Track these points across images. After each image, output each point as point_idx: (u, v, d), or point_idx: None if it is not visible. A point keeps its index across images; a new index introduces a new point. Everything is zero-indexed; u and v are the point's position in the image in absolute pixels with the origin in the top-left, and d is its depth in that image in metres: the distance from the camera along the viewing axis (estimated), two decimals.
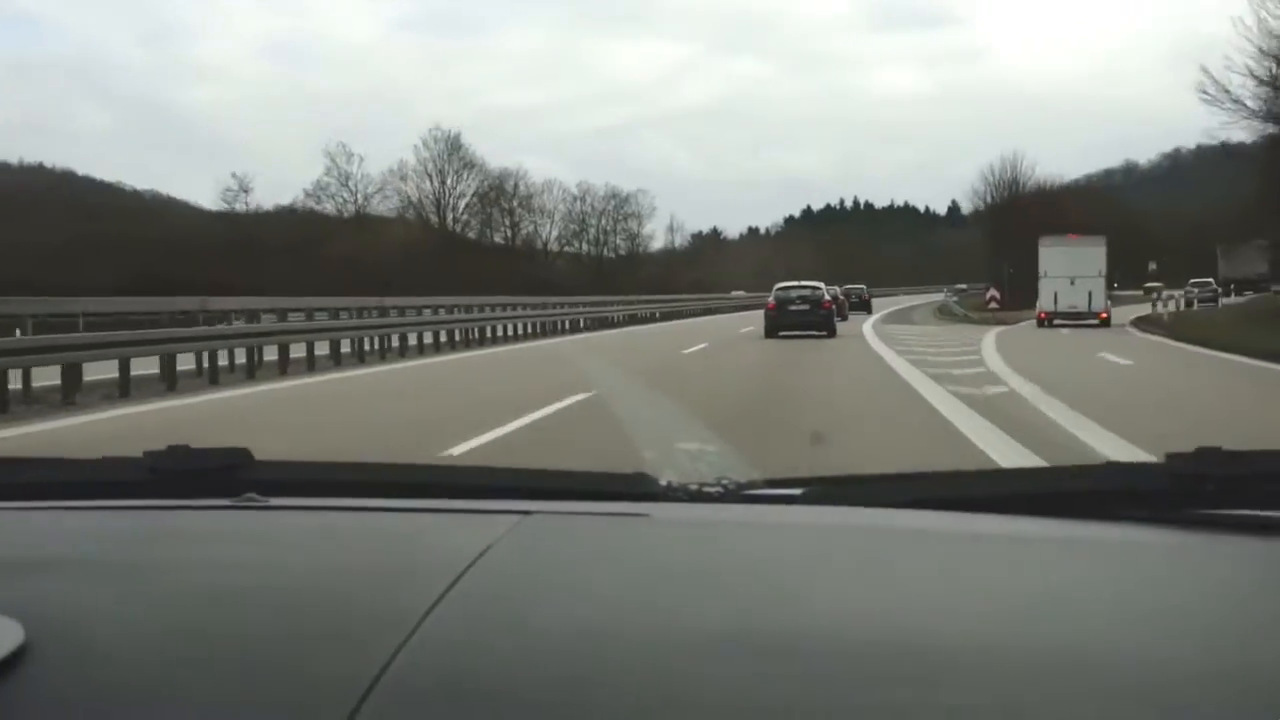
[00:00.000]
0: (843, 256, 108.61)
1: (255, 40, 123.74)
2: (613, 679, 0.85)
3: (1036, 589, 1.04)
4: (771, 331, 28.07)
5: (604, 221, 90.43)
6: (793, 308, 28.51)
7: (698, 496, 1.36)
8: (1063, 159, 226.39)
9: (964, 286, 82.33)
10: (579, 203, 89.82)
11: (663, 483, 1.38)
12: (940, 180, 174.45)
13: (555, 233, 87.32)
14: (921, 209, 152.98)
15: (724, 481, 1.38)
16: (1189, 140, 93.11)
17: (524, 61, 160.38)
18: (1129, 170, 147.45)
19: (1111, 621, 0.94)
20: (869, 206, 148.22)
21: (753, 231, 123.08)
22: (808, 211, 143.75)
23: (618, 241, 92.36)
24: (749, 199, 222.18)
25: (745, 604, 0.99)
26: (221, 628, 0.94)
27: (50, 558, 1.13)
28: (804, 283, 30.47)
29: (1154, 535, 1.19)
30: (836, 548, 1.19)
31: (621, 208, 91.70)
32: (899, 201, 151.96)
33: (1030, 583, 1.06)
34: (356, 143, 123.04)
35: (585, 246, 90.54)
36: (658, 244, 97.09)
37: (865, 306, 54.07)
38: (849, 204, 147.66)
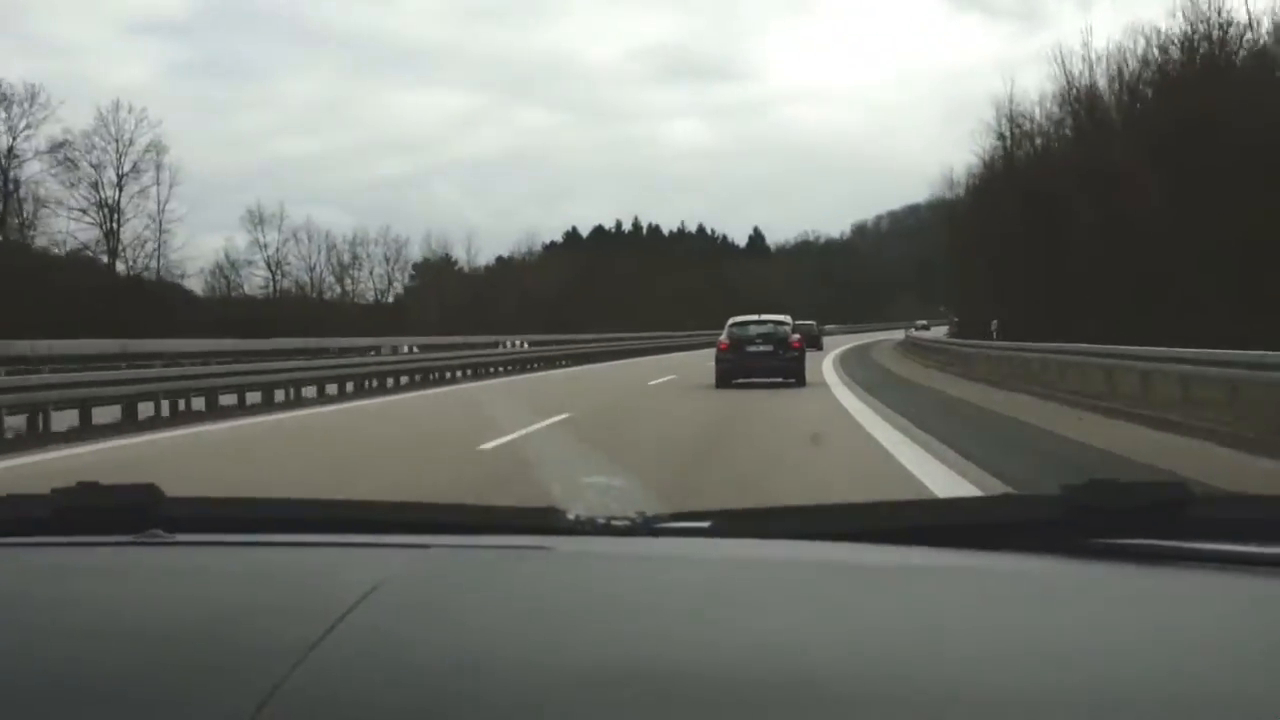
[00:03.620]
0: (616, 287, 79.68)
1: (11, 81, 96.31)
2: (500, 711, 0.86)
3: (935, 619, 1.06)
4: (725, 379, 22.37)
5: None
6: (752, 348, 22.86)
7: (604, 530, 1.36)
8: (843, 205, 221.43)
9: (925, 323, 74.39)
10: None
11: (570, 516, 1.38)
12: (731, 229, 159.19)
13: None
14: (718, 237, 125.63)
15: (631, 515, 1.38)
16: None
17: (307, 110, 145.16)
18: (938, 205, 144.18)
19: (1007, 650, 0.97)
20: (654, 230, 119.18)
21: (501, 261, 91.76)
22: (573, 235, 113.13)
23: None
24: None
25: (645, 636, 1.00)
26: (111, 661, 0.97)
27: None
28: (765, 316, 23.90)
29: (1048, 565, 1.21)
30: (740, 580, 1.19)
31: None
32: (690, 227, 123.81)
33: (929, 613, 1.08)
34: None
35: None
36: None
37: (815, 343, 47.00)
38: (627, 226, 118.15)
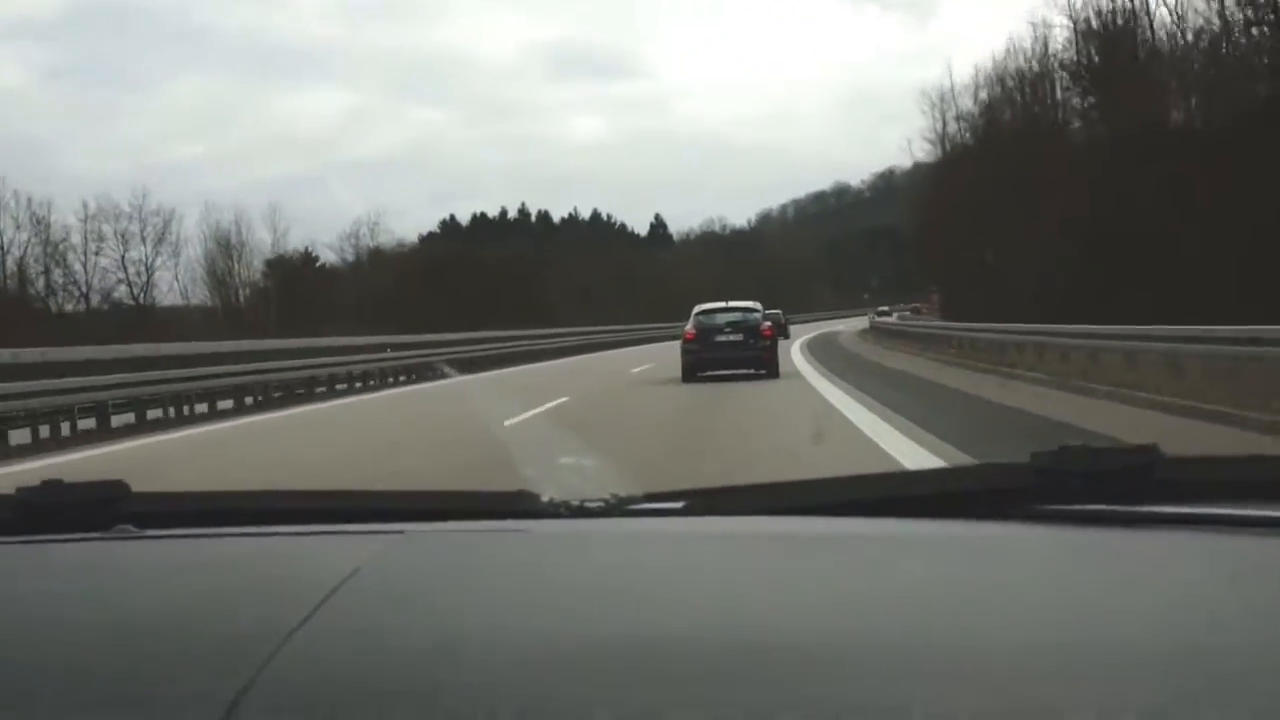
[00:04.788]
0: (491, 280, 68.24)
1: None
2: (481, 691, 0.87)
3: (908, 587, 1.06)
4: (691, 372, 20.80)
5: None
6: (720, 338, 21.26)
7: (579, 512, 1.36)
8: (747, 196, 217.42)
9: (887, 309, 74.32)
10: None
11: (544, 499, 1.38)
12: (632, 220, 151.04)
13: None
14: (615, 223, 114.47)
15: (606, 497, 1.38)
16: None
17: (194, 112, 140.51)
18: (842, 192, 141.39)
19: (981, 615, 0.98)
20: (544, 218, 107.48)
21: (379, 253, 79.37)
22: (451, 224, 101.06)
23: None
24: None
25: (622, 613, 1.02)
26: (86, 656, 0.96)
27: None
28: (733, 304, 22.47)
29: (1019, 531, 1.22)
30: (714, 556, 1.19)
31: None
32: (574, 202, 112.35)
33: (902, 581, 1.08)
34: None
35: None
36: None
37: (782, 332, 40.48)
38: (513, 213, 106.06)
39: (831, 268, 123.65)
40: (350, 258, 72.72)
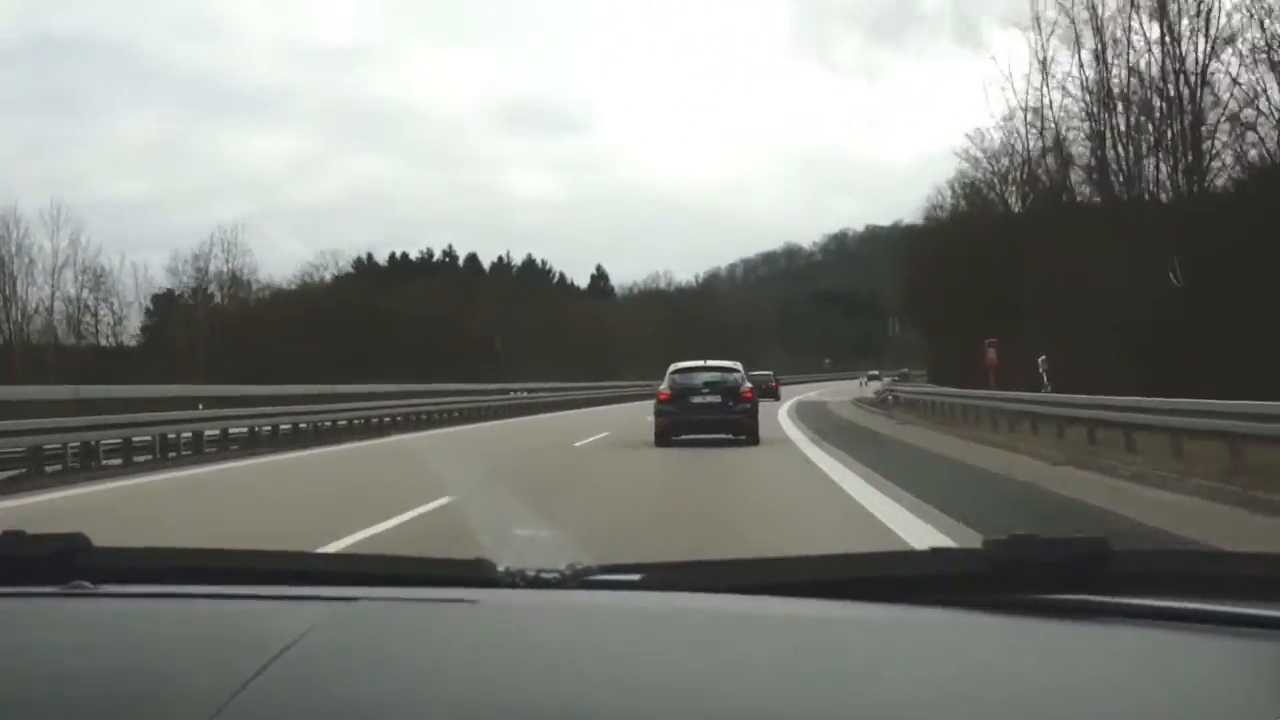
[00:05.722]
0: (391, 328, 57.94)
1: None
2: None
3: (857, 671, 1.07)
4: (664, 435, 19.76)
5: None
6: (697, 399, 20.16)
7: (535, 583, 1.35)
8: (694, 255, 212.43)
9: (876, 373, 72.39)
10: None
11: (500, 568, 1.37)
12: (575, 273, 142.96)
13: None
14: (553, 273, 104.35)
15: (562, 568, 1.37)
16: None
17: (135, 150, 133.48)
18: (793, 254, 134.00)
19: (930, 703, 0.98)
20: (471, 260, 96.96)
21: (241, 285, 67.50)
22: (368, 265, 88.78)
23: None
24: None
25: (572, 690, 1.01)
26: (32, 713, 0.97)
27: None
28: (712, 363, 21.47)
29: (970, 619, 1.22)
30: (669, 633, 1.19)
31: None
32: (517, 258, 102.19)
33: (851, 665, 1.09)
34: None
35: None
36: None
37: (773, 395, 43.29)
38: (437, 255, 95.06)
39: (782, 329, 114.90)
40: (190, 282, 60.47)
